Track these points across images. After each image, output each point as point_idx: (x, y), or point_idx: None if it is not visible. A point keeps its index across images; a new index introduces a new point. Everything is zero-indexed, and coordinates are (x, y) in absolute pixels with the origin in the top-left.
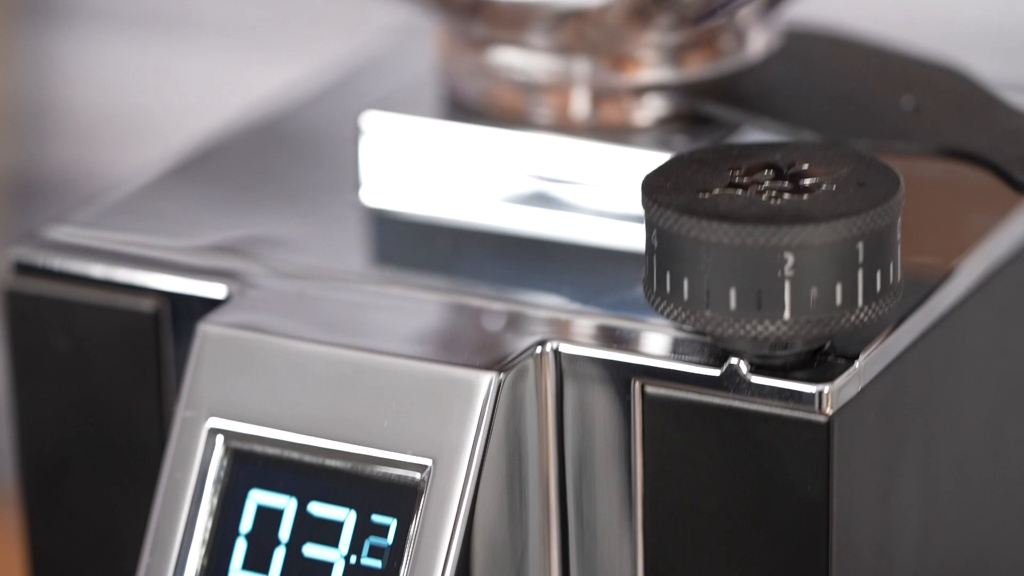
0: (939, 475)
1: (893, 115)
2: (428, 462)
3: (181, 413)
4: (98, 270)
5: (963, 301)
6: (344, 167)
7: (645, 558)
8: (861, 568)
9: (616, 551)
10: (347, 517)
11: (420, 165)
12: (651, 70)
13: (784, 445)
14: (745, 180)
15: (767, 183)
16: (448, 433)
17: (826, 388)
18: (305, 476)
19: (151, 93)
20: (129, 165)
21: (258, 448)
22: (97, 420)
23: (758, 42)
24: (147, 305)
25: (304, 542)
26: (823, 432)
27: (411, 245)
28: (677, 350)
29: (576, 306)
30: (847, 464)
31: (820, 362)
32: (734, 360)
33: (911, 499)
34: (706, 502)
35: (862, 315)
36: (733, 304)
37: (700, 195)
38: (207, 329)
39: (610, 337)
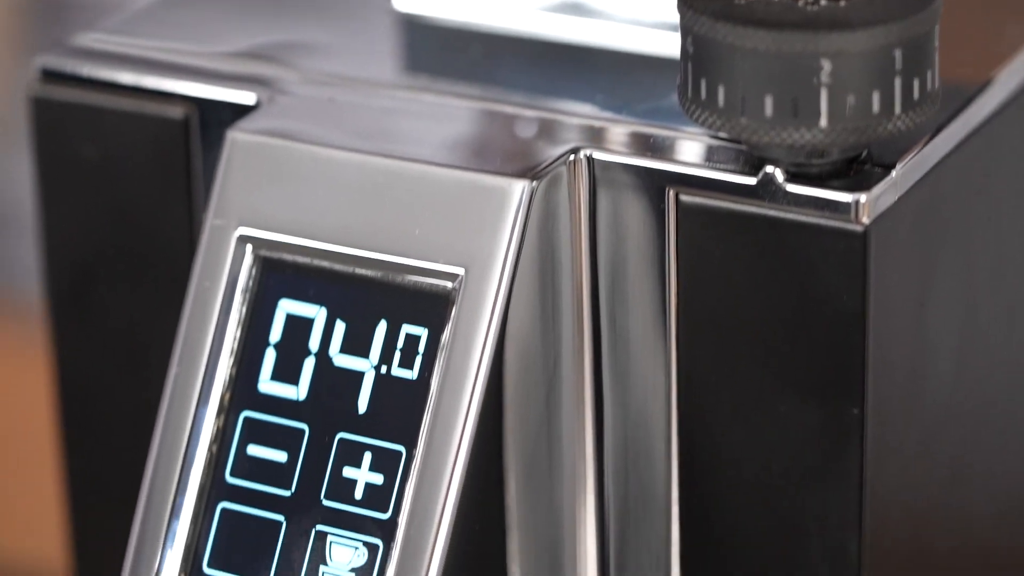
0: (976, 289)
1: None
2: (460, 271)
3: (210, 221)
4: (126, 76)
5: (1001, 111)
6: None
7: (678, 368)
8: (896, 381)
9: (649, 362)
10: (378, 326)
11: None
12: None
13: (820, 255)
14: None
15: None
16: (480, 242)
17: (862, 197)
18: (335, 285)
19: None
20: None
21: (288, 256)
22: (125, 230)
23: None
24: (176, 112)
25: (334, 352)
26: (859, 241)
27: (443, 51)
28: (712, 158)
29: (610, 114)
30: (883, 275)
31: (856, 171)
32: (770, 168)
33: (948, 313)
34: (741, 312)
35: (899, 123)
36: (769, 111)
37: (736, 1)
38: (236, 136)
39: (644, 145)
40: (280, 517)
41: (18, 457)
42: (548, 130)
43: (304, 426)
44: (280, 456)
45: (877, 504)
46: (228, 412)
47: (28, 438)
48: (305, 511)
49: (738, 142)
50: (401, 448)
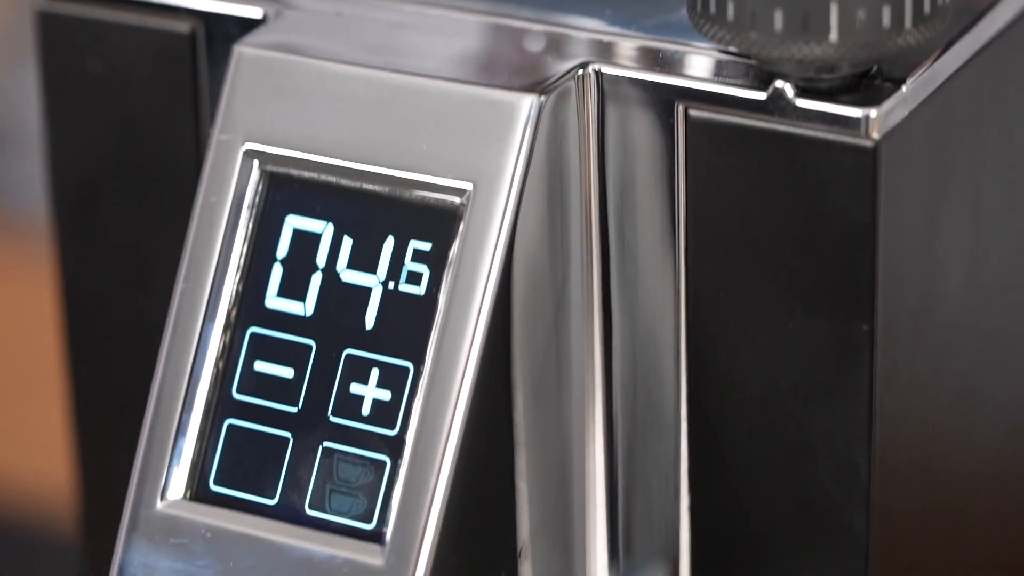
0: (987, 207)
1: None
2: (468, 186)
3: (216, 137)
4: None
5: (1012, 26)
6: None
7: (687, 285)
8: (906, 297)
9: (658, 278)
10: (385, 242)
11: None
12: None
13: (830, 170)
14: None
15: None
16: (488, 157)
17: (873, 112)
18: (342, 200)
19: None
20: None
21: (294, 172)
22: (131, 145)
23: None
24: (182, 26)
25: (341, 268)
26: (869, 157)
27: None
28: (721, 73)
29: (619, 28)
30: (894, 191)
31: (867, 86)
32: (779, 83)
33: (958, 229)
34: (750, 228)
35: (909, 38)
36: (779, 26)
37: None
38: (243, 51)
39: (654, 59)
40: (287, 434)
41: (23, 376)
42: (556, 44)
43: (311, 342)
44: (287, 372)
45: (886, 421)
46: (235, 328)
47: (33, 357)
48: (312, 428)
49: (748, 57)
50: (408, 364)
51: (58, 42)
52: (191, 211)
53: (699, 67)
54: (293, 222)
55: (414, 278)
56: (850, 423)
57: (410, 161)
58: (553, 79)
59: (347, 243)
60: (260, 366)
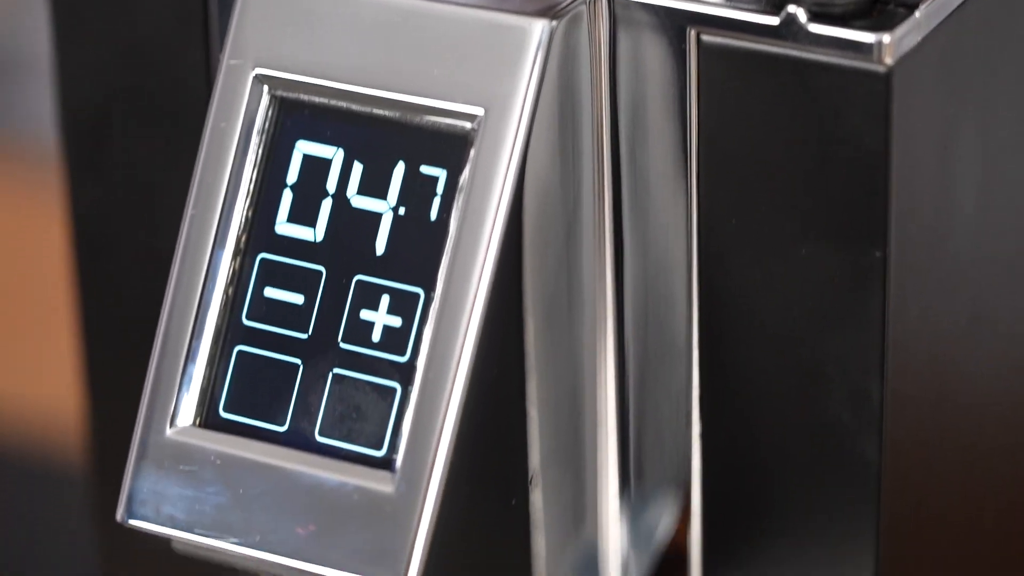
0: (999, 134)
1: None
2: (479, 111)
3: (226, 62)
4: None
5: None
6: None
7: (699, 212)
8: (919, 224)
9: (670, 204)
10: (396, 168)
11: None
12: None
13: (842, 96)
14: None
15: None
16: (499, 82)
17: (886, 37)
18: (353, 126)
19: None
20: None
21: (304, 97)
22: (140, 70)
23: None
24: None
25: (352, 193)
26: (882, 83)
27: None
28: None
29: None
30: (907, 116)
31: (880, 11)
32: (792, 8)
33: (971, 156)
34: (762, 154)
35: None
36: None
37: None
38: None
39: None
40: (297, 360)
41: (33, 304)
42: None
43: (321, 268)
44: (297, 298)
45: (899, 348)
46: (244, 254)
47: (43, 285)
48: (322, 354)
49: None
50: (419, 290)
51: None
52: (201, 136)
53: None
54: (303, 147)
55: (425, 203)
56: (862, 350)
57: (421, 86)
58: (565, 4)
59: (357, 168)
60: (270, 292)
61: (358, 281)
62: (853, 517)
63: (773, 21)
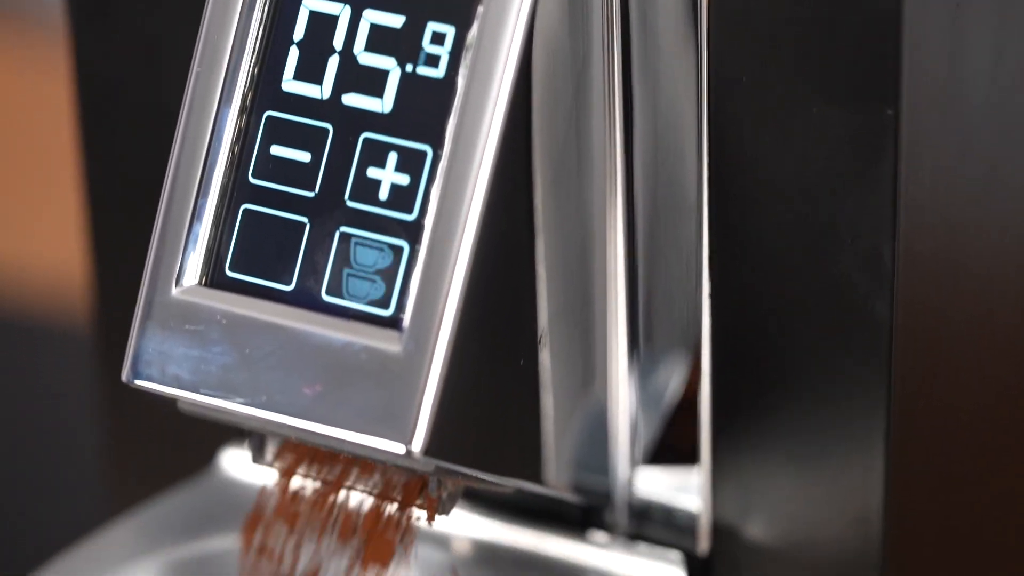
0: None
1: None
2: None
3: None
4: None
5: None
6: None
7: (709, 68)
8: (931, 82)
9: (680, 60)
10: (403, 24)
11: None
12: None
13: None
14: None
15: None
16: None
17: None
18: None
19: None
20: None
21: None
22: None
23: None
24: None
25: (359, 50)
26: None
27: None
28: None
29: None
30: None
31: None
32: None
33: (984, 15)
34: (774, 11)
35: None
36: None
37: None
38: None
39: None
40: (304, 219)
41: (37, 163)
42: None
43: (328, 126)
44: (303, 156)
45: (911, 209)
46: (250, 112)
47: (48, 145)
48: (329, 212)
49: None
50: (427, 148)
51: None
52: None
53: None
54: (310, 4)
55: (432, 61)
56: (875, 211)
57: None
58: None
59: (364, 25)
60: (276, 150)
61: (365, 139)
62: (864, 378)
63: None
